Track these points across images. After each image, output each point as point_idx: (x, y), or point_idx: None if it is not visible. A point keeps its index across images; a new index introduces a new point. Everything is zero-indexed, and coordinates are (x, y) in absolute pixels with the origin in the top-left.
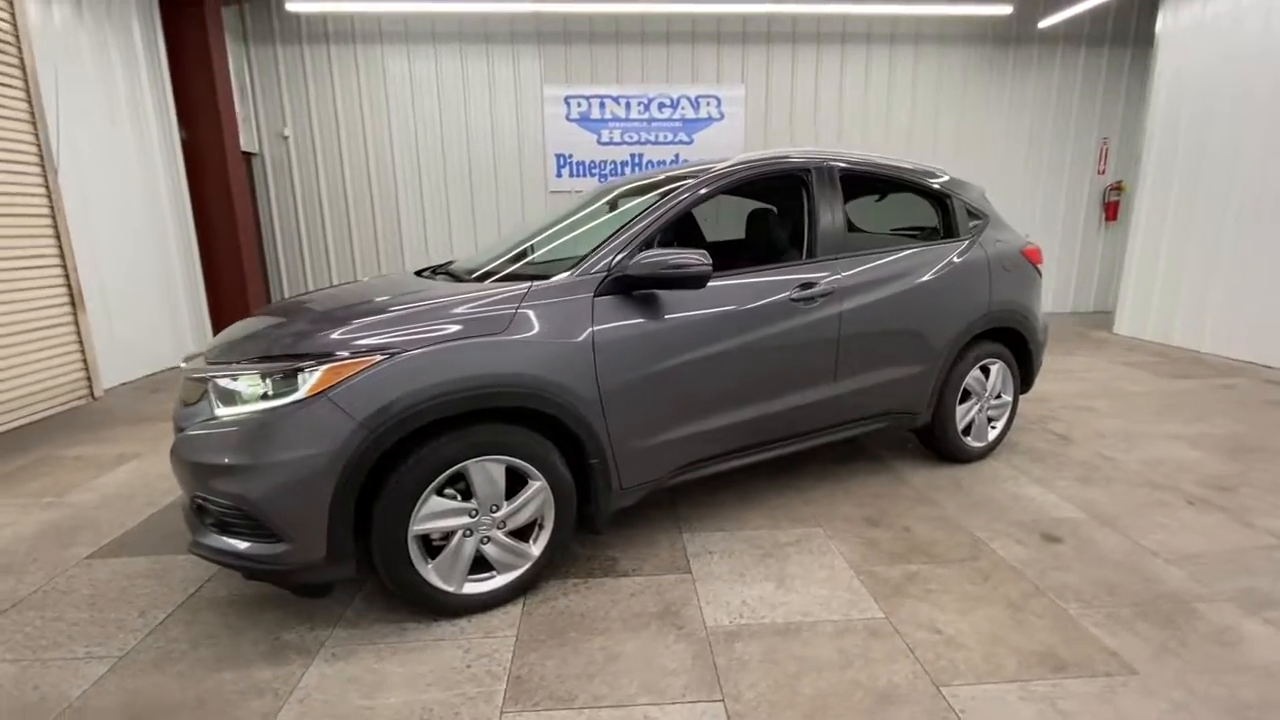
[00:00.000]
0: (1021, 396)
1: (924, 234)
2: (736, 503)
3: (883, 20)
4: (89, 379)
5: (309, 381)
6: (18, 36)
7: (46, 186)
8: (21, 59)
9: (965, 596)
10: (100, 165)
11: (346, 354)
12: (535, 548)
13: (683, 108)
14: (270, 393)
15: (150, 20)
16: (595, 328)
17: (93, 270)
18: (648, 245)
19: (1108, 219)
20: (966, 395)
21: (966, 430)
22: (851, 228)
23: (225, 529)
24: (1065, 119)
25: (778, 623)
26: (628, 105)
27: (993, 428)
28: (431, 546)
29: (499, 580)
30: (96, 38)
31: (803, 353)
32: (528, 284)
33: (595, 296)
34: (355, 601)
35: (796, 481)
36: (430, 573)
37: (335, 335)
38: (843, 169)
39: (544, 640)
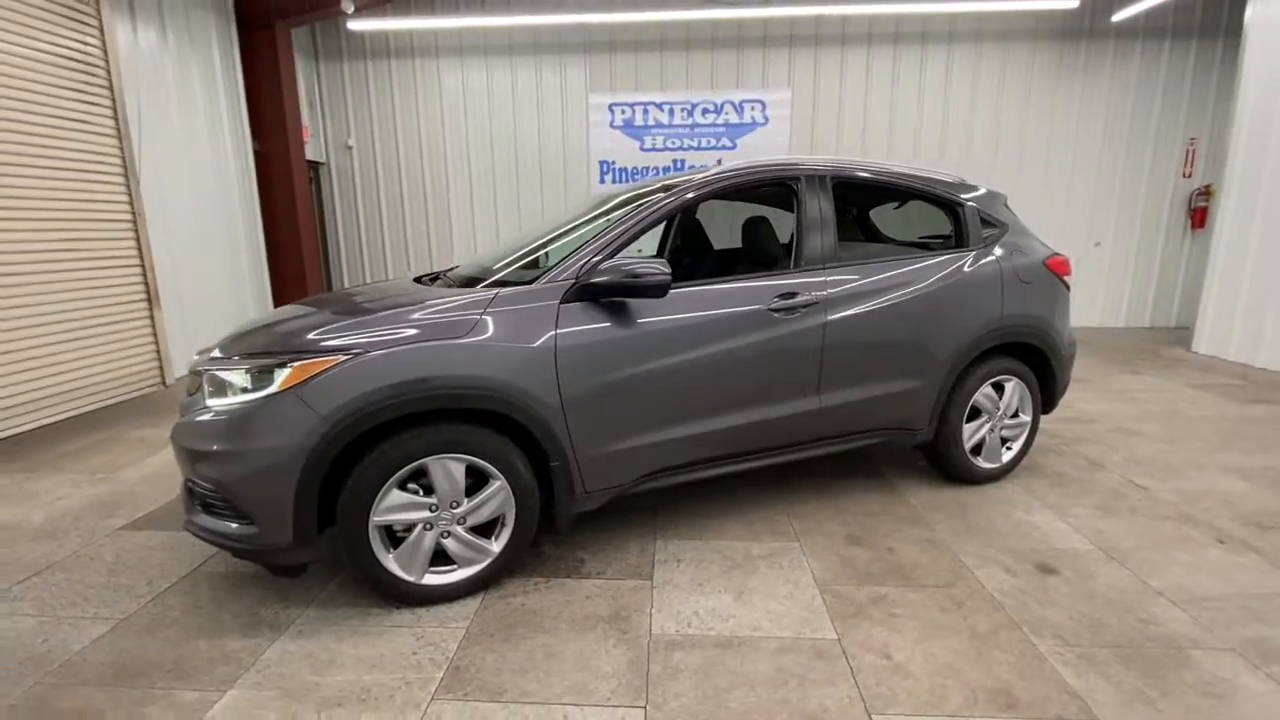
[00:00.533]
0: (1051, 417)
1: (934, 244)
2: (719, 513)
3: (940, 19)
4: (161, 368)
5: (280, 377)
6: (107, 60)
7: (129, 195)
8: (110, 80)
9: (929, 624)
10: (178, 176)
11: (314, 353)
12: (496, 545)
13: (726, 113)
14: (249, 387)
15: (229, 44)
16: (558, 334)
17: (169, 270)
18: (619, 253)
19: (1194, 226)
20: (976, 413)
21: (976, 450)
22: (850, 236)
23: (209, 509)
24: (1145, 118)
25: (724, 635)
26: (671, 111)
27: (1008, 449)
28: (395, 537)
29: (459, 574)
30: (179, 60)
31: (781, 364)
32: (496, 290)
33: (562, 303)
34: (331, 585)
35: (787, 495)
36: (391, 562)
37: (309, 335)
38: (836, 177)
39: (492, 634)
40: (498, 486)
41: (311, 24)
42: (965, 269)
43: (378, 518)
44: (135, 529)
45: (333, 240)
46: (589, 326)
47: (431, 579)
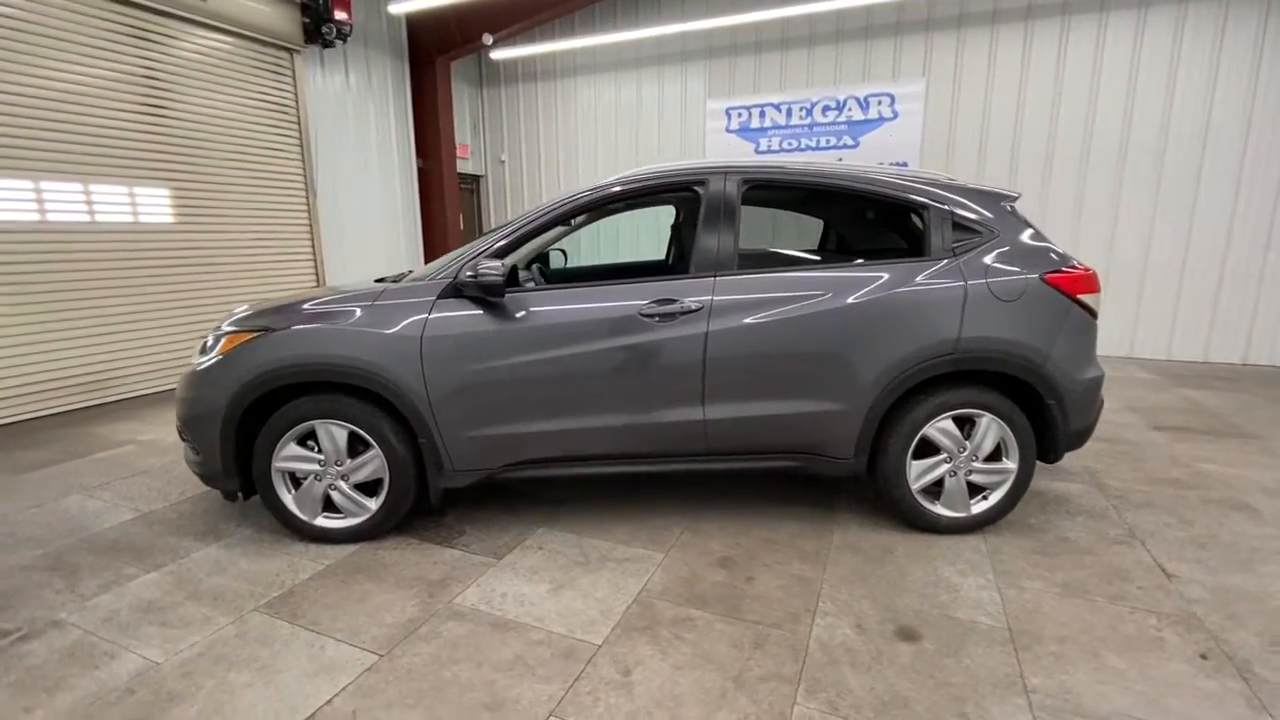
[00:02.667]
0: (1140, 475)
1: (891, 253)
2: (617, 513)
3: None
4: None
5: (219, 346)
6: (297, 101)
7: (308, 205)
8: (298, 116)
9: (705, 656)
10: (351, 190)
11: (242, 329)
12: (374, 503)
13: (849, 109)
14: (208, 350)
15: (401, 78)
16: (427, 326)
17: (337, 264)
18: (501, 256)
19: None
20: (934, 450)
21: (934, 494)
22: (816, 245)
23: (184, 441)
24: None
25: (505, 618)
26: (788, 112)
27: (983, 498)
28: (299, 483)
29: (345, 522)
30: (358, 96)
31: (655, 371)
32: (385, 285)
33: (438, 298)
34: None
35: (701, 508)
36: (290, 501)
37: (250, 314)
38: (750, 179)
39: (338, 574)
40: (373, 453)
41: (471, 55)
42: (911, 281)
43: (278, 463)
44: None
45: None
46: (456, 320)
47: (323, 522)
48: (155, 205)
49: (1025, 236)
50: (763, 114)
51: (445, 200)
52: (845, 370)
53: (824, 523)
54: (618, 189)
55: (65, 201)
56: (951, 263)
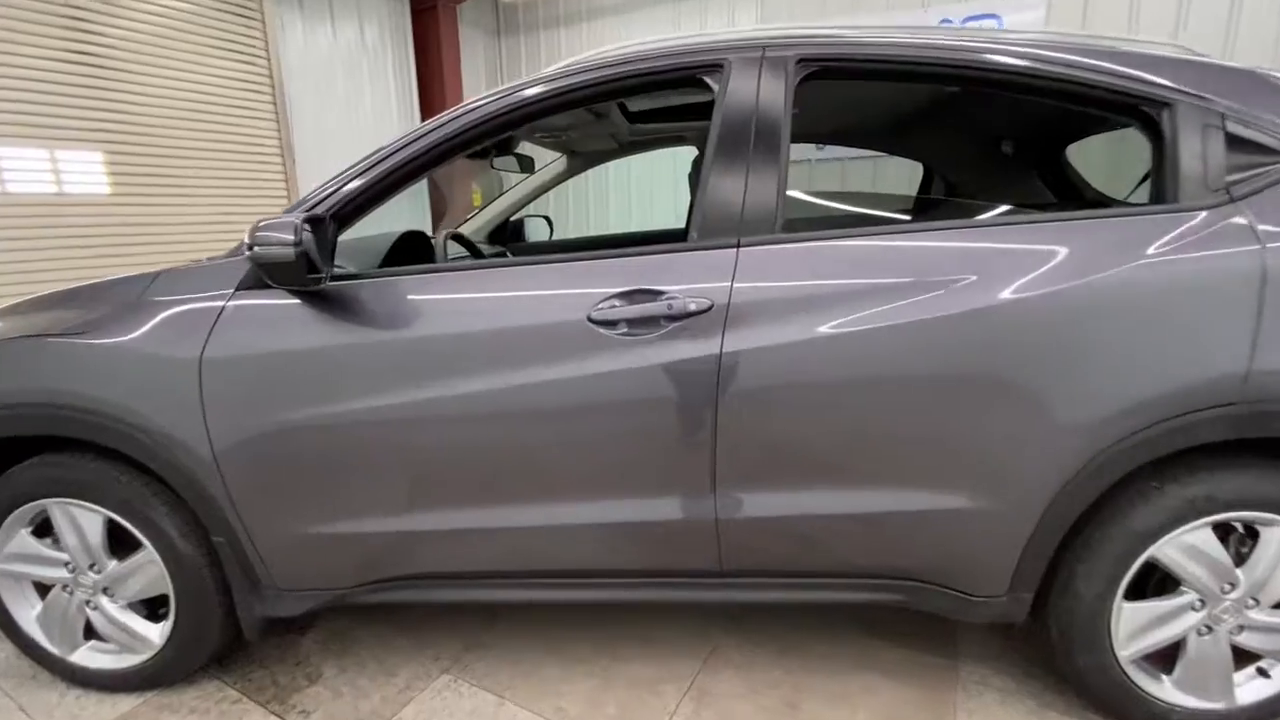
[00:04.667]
0: None
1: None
2: (583, 643)
3: None
4: None
5: None
6: (268, 51)
7: (285, 174)
8: (270, 68)
9: None
10: (339, 157)
11: None
12: (158, 634)
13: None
14: None
15: (402, 28)
16: (213, 335)
17: None
18: (354, 214)
19: None
20: (1167, 583)
21: (1162, 662)
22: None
23: None
24: None
25: None
26: None
27: (1259, 674)
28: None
29: (119, 661)
30: (349, 49)
31: (622, 427)
32: (160, 270)
33: (237, 290)
34: None
35: (729, 638)
36: (32, 623)
37: None
38: (813, 57)
39: None
40: (144, 555)
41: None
42: (1137, 254)
43: (2, 564)
44: None
45: None
46: (263, 326)
47: (84, 658)
48: (83, 172)
49: None
50: None
51: (456, 171)
52: (999, 433)
53: (938, 688)
54: (540, 89)
55: None
56: (1223, 213)
